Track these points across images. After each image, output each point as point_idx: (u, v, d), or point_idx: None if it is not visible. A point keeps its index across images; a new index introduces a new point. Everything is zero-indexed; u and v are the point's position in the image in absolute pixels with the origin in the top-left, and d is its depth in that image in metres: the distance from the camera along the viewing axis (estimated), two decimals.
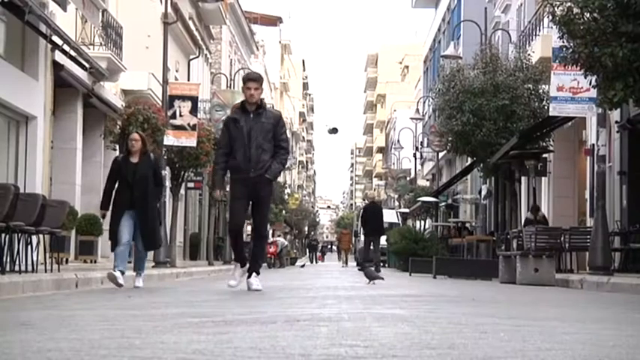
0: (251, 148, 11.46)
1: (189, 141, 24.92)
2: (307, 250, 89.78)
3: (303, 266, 54.31)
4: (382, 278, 16.89)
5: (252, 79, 11.73)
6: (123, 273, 12.73)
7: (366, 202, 39.71)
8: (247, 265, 11.83)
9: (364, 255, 30.24)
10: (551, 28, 18.86)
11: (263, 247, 12.43)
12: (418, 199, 46.37)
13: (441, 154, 48.09)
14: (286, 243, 55.46)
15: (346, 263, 56.91)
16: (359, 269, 33.62)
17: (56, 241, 15.08)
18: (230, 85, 47.28)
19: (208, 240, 37.98)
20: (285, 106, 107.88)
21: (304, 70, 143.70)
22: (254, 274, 11.72)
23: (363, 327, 5.54)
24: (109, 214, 13.38)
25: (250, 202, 11.77)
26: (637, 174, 21.57)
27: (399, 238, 36.63)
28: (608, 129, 21.29)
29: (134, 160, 13.21)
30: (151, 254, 18.14)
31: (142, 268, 13.61)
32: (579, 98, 20.39)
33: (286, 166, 13.20)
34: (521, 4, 34.80)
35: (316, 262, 62.25)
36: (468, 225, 37.20)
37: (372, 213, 30.00)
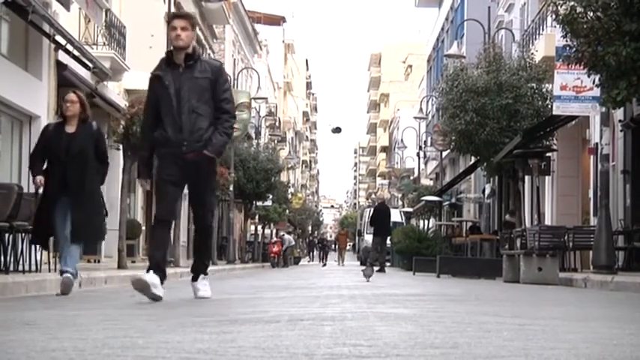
0: (182, 113, 8.78)
1: None
2: (312, 250, 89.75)
3: (324, 265, 55.22)
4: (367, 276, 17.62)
5: (180, 16, 9.06)
6: (74, 277, 10.53)
7: (374, 202, 39.79)
8: (162, 276, 8.75)
9: (373, 255, 30.31)
10: (555, 27, 18.85)
11: (208, 242, 9.51)
12: (422, 198, 46.38)
13: (444, 153, 48.06)
14: (293, 242, 55.53)
15: (343, 263, 57.31)
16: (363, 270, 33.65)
17: (58, 243, 15.06)
18: (233, 84, 47.27)
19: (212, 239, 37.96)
20: (289, 105, 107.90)
21: (307, 69, 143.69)
22: (201, 276, 9.36)
23: (367, 326, 5.54)
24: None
25: (186, 186, 9.15)
26: None
27: (403, 237, 36.67)
28: (611, 128, 21.27)
29: (70, 129, 10.48)
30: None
31: (70, 266, 10.58)
32: (583, 97, 20.38)
33: (232, 137, 10.08)
34: (525, 3, 34.78)
35: (324, 264, 62.43)
36: (478, 224, 37.09)
37: (381, 213, 30.07)
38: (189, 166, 8.82)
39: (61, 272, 10.48)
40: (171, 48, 9.01)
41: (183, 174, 8.88)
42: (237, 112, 37.30)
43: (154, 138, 8.94)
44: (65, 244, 10.46)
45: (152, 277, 8.58)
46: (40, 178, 10.60)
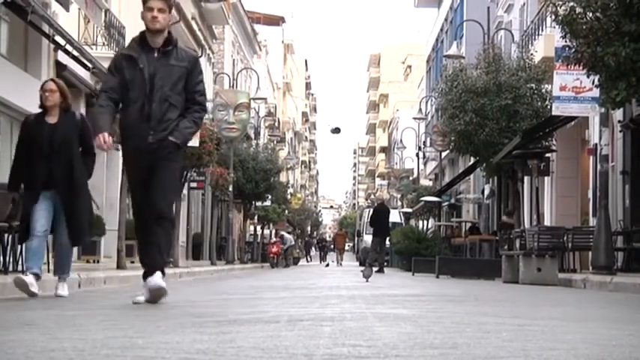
0: (152, 101, 8.08)
1: (192, 141, 24.89)
2: (309, 250, 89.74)
3: (327, 265, 55.34)
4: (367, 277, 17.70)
5: None
6: (38, 277, 9.58)
7: (373, 202, 39.87)
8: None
9: (372, 255, 30.32)
10: (554, 27, 18.84)
11: (168, 234, 8.33)
12: (421, 198, 46.40)
13: (443, 154, 48.06)
14: (293, 241, 55.55)
15: (341, 263, 57.47)
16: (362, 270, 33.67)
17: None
18: (233, 85, 47.29)
19: (211, 240, 38.00)
20: (288, 105, 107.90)
21: (307, 69, 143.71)
22: (158, 273, 8.03)
23: (366, 327, 5.54)
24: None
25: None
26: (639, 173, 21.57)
27: (402, 237, 36.66)
28: (610, 128, 21.27)
29: (51, 120, 9.72)
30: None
31: (66, 271, 10.07)
32: (582, 98, 20.38)
33: (200, 127, 9.45)
34: (524, 4, 34.78)
35: (327, 263, 62.68)
36: (477, 225, 37.09)
37: (381, 214, 30.10)
38: (153, 156, 8.08)
39: (25, 271, 9.66)
40: (145, 30, 8.25)
41: (149, 168, 8.10)
42: (236, 112, 37.01)
43: (119, 123, 8.30)
44: (42, 243, 9.71)
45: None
46: (12, 196, 10.45)
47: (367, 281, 17.17)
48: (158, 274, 7.98)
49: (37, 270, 9.51)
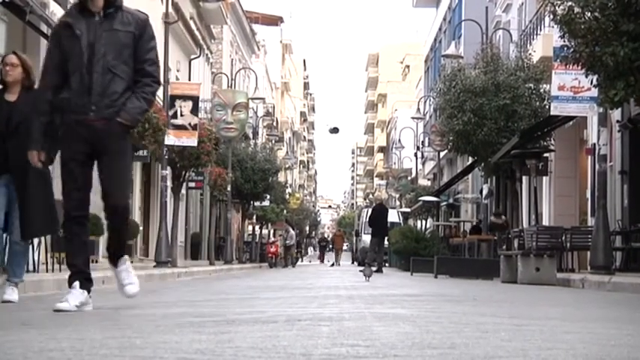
0: (93, 72, 7.10)
1: (190, 141, 24.92)
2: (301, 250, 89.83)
3: (332, 265, 55.38)
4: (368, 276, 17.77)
5: None
6: (17, 284, 8.67)
7: (371, 202, 39.86)
8: (89, 286, 7.29)
9: (370, 255, 30.35)
10: (552, 27, 18.85)
11: (123, 226, 7.49)
12: (419, 198, 46.39)
13: (442, 154, 48.08)
14: (294, 240, 55.28)
15: (339, 263, 57.56)
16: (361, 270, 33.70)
17: (57, 241, 15.07)
18: (231, 84, 47.29)
19: (209, 240, 37.98)
20: (286, 105, 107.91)
21: (305, 69, 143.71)
22: (123, 259, 7.52)
23: (365, 326, 5.54)
24: None
25: (96, 163, 7.30)
26: (638, 173, 21.56)
27: (401, 237, 36.68)
28: (609, 128, 21.27)
29: (10, 97, 8.64)
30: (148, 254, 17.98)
31: (17, 274, 8.69)
32: (580, 97, 20.38)
33: (152, 104, 7.77)
34: (522, 4, 34.79)
35: (333, 263, 62.96)
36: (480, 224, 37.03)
37: (380, 214, 30.13)
38: (97, 137, 7.11)
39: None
40: None
41: (90, 149, 7.16)
42: (235, 112, 36.89)
43: (59, 101, 7.18)
44: (15, 242, 8.62)
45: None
46: None
47: (368, 280, 17.19)
48: (125, 265, 7.50)
49: (19, 280, 8.68)
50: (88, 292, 7.23)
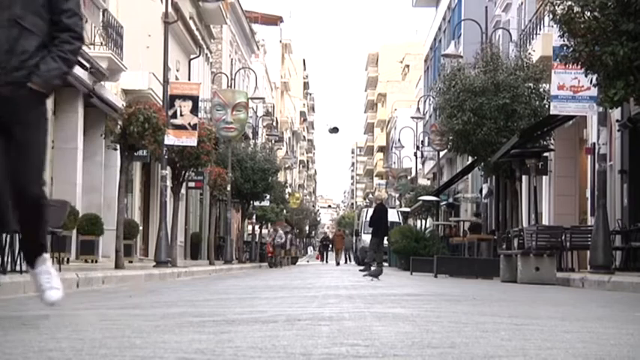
0: None
1: (190, 140, 24.92)
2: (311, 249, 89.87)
3: (338, 264, 55.36)
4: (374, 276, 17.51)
5: None
6: None
7: (371, 202, 39.77)
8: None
9: (370, 255, 30.40)
10: (552, 26, 18.85)
11: (38, 218, 6.02)
12: (419, 198, 46.39)
13: (441, 153, 48.08)
14: (283, 238, 54.28)
15: (338, 263, 57.62)
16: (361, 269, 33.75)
17: (57, 241, 15.07)
18: (231, 84, 47.28)
19: (209, 239, 37.96)
20: (286, 105, 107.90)
21: (305, 69, 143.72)
22: (42, 257, 6.02)
23: (364, 326, 5.54)
24: None
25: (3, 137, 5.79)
26: (638, 172, 21.56)
27: (400, 237, 36.68)
28: (608, 127, 21.27)
29: None
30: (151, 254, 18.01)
31: None
32: (580, 97, 20.39)
33: (73, 65, 6.09)
34: (522, 3, 34.79)
35: (338, 262, 63.06)
36: (480, 222, 37.03)
37: (381, 214, 30.13)
38: (3, 106, 5.71)
39: None
40: None
41: None
42: (234, 112, 36.82)
43: None
44: None
45: None
46: None
47: (378, 279, 17.17)
48: (44, 263, 5.99)
49: None
50: (32, 263, 6.03)
